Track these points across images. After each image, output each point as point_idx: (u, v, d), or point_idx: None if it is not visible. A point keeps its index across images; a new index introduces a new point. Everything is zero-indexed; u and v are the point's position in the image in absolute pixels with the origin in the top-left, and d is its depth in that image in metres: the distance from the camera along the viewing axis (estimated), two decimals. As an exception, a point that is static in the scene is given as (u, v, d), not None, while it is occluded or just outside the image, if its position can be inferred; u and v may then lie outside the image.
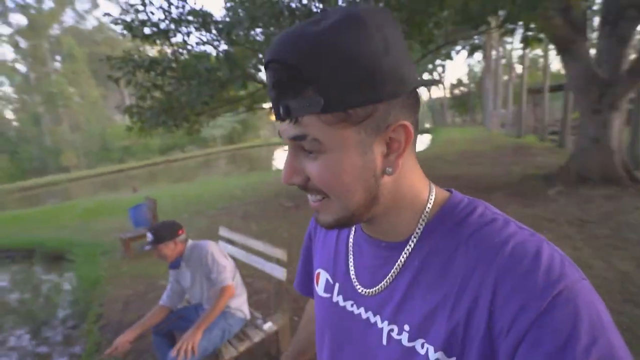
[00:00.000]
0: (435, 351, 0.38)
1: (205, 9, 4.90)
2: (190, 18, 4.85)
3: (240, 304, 1.84)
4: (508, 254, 0.36)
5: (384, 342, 0.44)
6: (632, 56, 4.82)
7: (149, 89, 4.50)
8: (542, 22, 3.27)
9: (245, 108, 8.03)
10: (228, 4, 4.60)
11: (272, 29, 3.96)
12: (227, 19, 4.25)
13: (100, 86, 37.52)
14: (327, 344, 0.54)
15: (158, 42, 4.85)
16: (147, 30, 4.63)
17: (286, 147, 0.41)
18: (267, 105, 8.42)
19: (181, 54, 4.79)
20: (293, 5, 3.69)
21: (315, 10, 3.86)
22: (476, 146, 11.32)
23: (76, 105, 36.72)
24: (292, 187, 0.44)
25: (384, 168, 0.39)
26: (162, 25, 4.68)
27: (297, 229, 4.60)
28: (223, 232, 2.60)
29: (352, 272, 0.51)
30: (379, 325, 0.45)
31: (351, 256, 0.52)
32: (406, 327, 0.42)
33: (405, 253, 0.44)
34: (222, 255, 1.79)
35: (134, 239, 4.48)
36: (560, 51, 4.96)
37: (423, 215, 0.43)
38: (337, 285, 0.53)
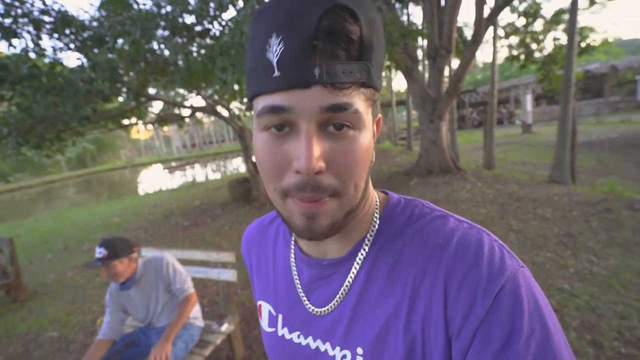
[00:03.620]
0: None
1: (64, 9, 4.25)
2: (45, 18, 4.12)
3: (196, 313, 1.87)
4: (453, 251, 0.35)
5: None
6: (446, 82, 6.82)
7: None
8: (395, 55, 4.40)
9: (115, 125, 7.04)
10: (101, 12, 4.12)
11: (161, 45, 3.79)
12: (105, 26, 3.82)
13: None
14: None
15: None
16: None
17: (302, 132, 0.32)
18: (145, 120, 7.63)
19: (38, 59, 3.99)
20: (188, 21, 3.67)
21: (209, 27, 3.95)
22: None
23: None
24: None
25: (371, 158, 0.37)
26: (5, 22, 3.83)
27: (205, 246, 4.47)
28: (147, 252, 2.45)
29: (302, 296, 0.46)
30: (330, 353, 0.41)
31: (297, 280, 0.47)
32: (359, 351, 0.39)
33: (356, 266, 0.40)
34: (180, 265, 1.79)
35: (-19, 294, 3.43)
36: (405, 76, 6.53)
37: (374, 220, 0.41)
38: (280, 316, 0.49)
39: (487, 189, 5.24)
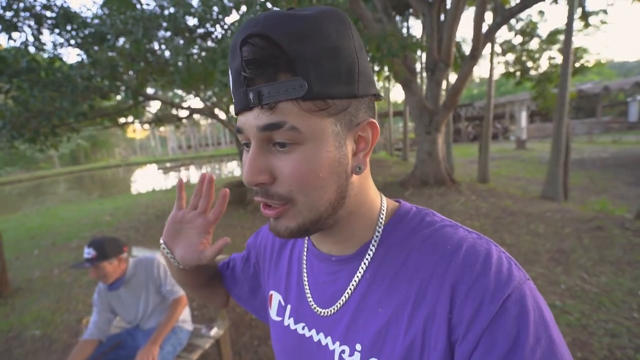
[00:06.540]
0: None
1: (67, 5, 4.25)
2: (47, 13, 4.11)
3: (185, 316, 1.83)
4: (461, 259, 0.35)
5: None
6: (444, 95, 6.92)
7: (-14, 93, 3.52)
8: (395, 66, 4.47)
9: (112, 123, 7.01)
10: (104, 9, 4.12)
11: (162, 45, 3.80)
12: (107, 24, 3.82)
13: None
14: None
15: (-4, 35, 3.90)
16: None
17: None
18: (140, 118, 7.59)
19: (36, 54, 3.96)
20: (191, 23, 3.69)
21: (211, 30, 3.97)
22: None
23: None
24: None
25: (354, 166, 0.38)
26: (6, 15, 3.82)
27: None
28: (138, 252, 2.41)
29: (307, 292, 0.48)
30: (330, 347, 0.43)
31: (305, 275, 0.49)
32: (357, 347, 0.40)
33: (363, 266, 0.42)
34: (170, 267, 1.76)
35: (-37, 290, 3.33)
36: (404, 87, 6.61)
37: (378, 225, 0.42)
38: (288, 307, 0.51)
39: (481, 203, 5.28)
